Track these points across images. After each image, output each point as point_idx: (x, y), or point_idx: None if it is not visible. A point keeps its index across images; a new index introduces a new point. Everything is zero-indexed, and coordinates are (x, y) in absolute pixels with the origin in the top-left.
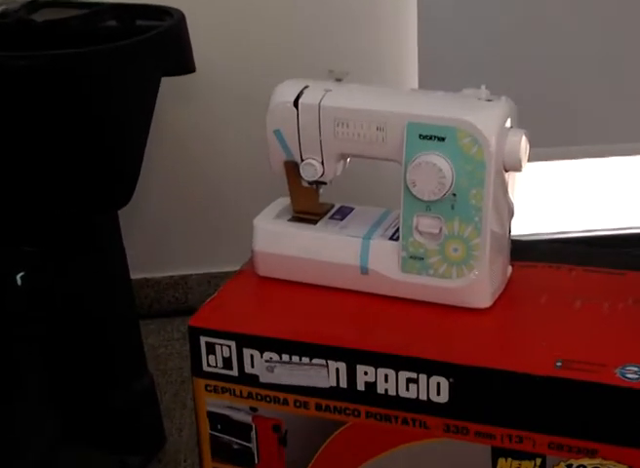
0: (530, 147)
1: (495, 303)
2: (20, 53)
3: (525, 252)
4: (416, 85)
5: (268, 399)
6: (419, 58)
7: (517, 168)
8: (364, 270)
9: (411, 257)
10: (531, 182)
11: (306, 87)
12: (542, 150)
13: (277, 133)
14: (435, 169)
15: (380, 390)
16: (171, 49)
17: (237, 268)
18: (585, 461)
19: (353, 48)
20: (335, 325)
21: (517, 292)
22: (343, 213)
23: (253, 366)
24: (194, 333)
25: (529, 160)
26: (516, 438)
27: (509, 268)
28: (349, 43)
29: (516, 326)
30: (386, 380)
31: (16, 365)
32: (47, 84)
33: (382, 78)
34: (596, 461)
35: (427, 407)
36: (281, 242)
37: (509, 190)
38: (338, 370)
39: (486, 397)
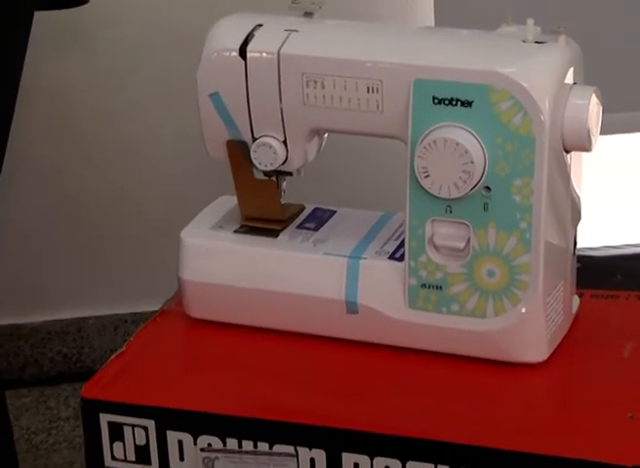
0: (603, 113)
1: (553, 355)
2: None
3: (600, 275)
4: (431, 21)
5: None
6: None
7: (584, 146)
8: (352, 307)
9: (423, 286)
10: (608, 167)
11: (259, 26)
12: (624, 116)
13: (215, 97)
14: (458, 149)
15: None
16: None
17: (157, 308)
18: None
19: None
20: (308, 392)
21: (588, 336)
22: (319, 219)
23: (182, 458)
24: (91, 409)
25: (602, 133)
26: None
27: (576, 300)
28: None
29: (586, 390)
30: None
31: None
32: None
33: (377, 11)
34: None
35: None
36: (223, 266)
37: (573, 180)
38: (313, 461)
39: None
